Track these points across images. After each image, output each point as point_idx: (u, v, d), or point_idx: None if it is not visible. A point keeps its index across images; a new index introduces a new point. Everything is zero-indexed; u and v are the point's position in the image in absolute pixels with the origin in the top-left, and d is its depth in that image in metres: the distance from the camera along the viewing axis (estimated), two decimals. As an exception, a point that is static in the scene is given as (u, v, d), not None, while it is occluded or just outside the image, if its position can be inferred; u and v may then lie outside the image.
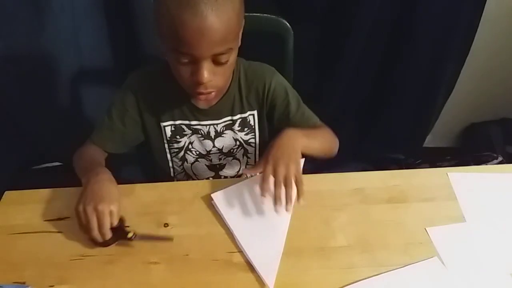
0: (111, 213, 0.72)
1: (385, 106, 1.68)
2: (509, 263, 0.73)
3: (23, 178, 1.69)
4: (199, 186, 0.88)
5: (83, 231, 0.74)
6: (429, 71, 1.55)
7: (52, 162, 1.81)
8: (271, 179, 0.74)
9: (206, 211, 0.83)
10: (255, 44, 0.99)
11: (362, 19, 1.41)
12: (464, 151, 1.84)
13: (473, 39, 1.50)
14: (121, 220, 0.77)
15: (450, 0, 1.37)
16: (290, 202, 0.74)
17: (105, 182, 0.76)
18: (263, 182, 0.74)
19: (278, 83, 0.93)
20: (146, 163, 0.87)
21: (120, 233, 0.76)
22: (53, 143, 1.69)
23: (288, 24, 1.06)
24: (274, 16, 1.06)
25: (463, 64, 1.58)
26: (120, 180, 0.88)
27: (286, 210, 0.74)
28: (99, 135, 0.93)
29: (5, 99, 1.52)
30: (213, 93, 0.80)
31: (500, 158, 1.66)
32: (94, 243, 0.75)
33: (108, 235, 0.73)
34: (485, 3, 1.41)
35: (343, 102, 1.64)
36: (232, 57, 0.77)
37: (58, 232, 0.79)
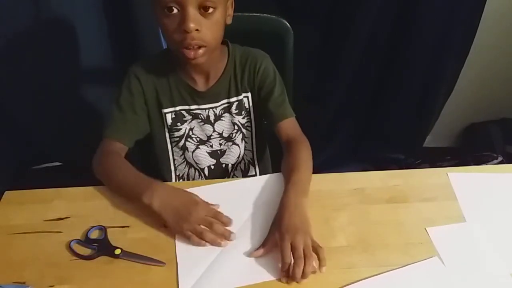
0: (206, 211, 0.77)
1: (385, 106, 1.68)
2: (510, 263, 0.73)
3: (23, 178, 1.69)
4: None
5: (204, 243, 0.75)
6: (429, 71, 1.55)
7: (52, 162, 1.81)
8: (290, 254, 0.69)
9: (206, 211, 0.83)
10: (255, 44, 1.00)
11: (362, 20, 1.41)
12: (464, 151, 1.84)
13: (473, 39, 1.50)
14: (106, 233, 0.78)
15: (450, 0, 1.37)
16: (307, 275, 0.69)
17: (172, 194, 0.79)
18: (284, 260, 0.69)
19: (269, 66, 0.97)
20: (146, 165, 0.87)
21: (105, 247, 0.76)
22: (53, 143, 1.69)
23: (288, 24, 1.06)
24: (274, 16, 1.06)
25: (463, 64, 1.58)
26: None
27: (298, 282, 0.69)
28: (114, 129, 0.91)
29: (5, 99, 1.52)
30: (201, 50, 0.81)
31: (500, 158, 1.66)
32: (77, 255, 0.75)
33: (212, 236, 0.75)
34: (485, 3, 1.41)
35: (343, 102, 1.64)
36: (218, 12, 0.80)
37: (58, 232, 0.79)
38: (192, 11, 0.77)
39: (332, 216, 0.81)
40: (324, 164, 1.70)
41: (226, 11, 0.83)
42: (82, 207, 0.84)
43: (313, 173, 0.90)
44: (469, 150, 1.80)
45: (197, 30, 0.78)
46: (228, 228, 0.77)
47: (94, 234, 0.79)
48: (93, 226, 0.79)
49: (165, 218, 0.77)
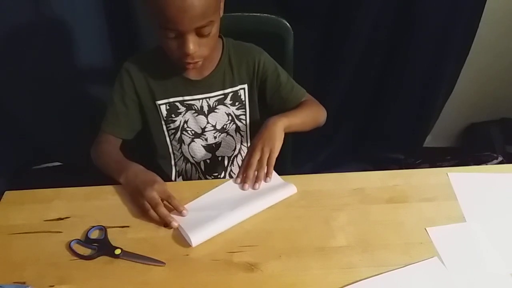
0: (158, 191, 0.80)
1: (385, 106, 1.68)
2: (510, 263, 0.73)
3: (23, 178, 1.69)
4: (199, 186, 0.88)
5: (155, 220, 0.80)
6: (429, 71, 1.55)
7: (52, 162, 1.81)
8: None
9: (206, 211, 0.83)
10: (255, 44, 1.00)
11: (362, 20, 1.41)
12: (464, 151, 1.84)
13: (473, 39, 1.50)
14: (106, 233, 0.78)
15: (450, 0, 1.37)
16: (257, 181, 0.85)
17: (138, 173, 0.85)
18: (240, 169, 0.88)
19: (267, 58, 1.00)
20: (149, 164, 0.88)
21: (105, 247, 0.76)
22: (53, 143, 1.69)
23: (288, 24, 1.06)
24: (274, 16, 1.07)
25: (463, 64, 1.58)
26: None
27: (253, 188, 0.86)
28: (107, 123, 0.98)
29: (5, 99, 1.52)
30: (200, 62, 0.87)
31: (500, 158, 1.66)
32: (78, 255, 0.75)
33: (164, 211, 0.79)
34: (485, 3, 1.41)
35: (343, 102, 1.64)
36: (215, 28, 0.83)
37: (58, 232, 0.79)
38: (192, 37, 0.80)
39: (332, 216, 0.81)
40: (324, 164, 1.70)
41: (219, 16, 0.84)
42: (82, 207, 0.85)
43: (313, 173, 0.91)
44: (469, 150, 1.80)
45: (195, 52, 0.82)
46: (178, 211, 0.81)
47: (94, 234, 0.79)
48: (93, 226, 0.80)
49: (128, 193, 0.85)
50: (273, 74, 1.00)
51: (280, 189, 0.85)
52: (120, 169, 0.87)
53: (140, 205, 0.81)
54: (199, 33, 0.81)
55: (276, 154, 0.86)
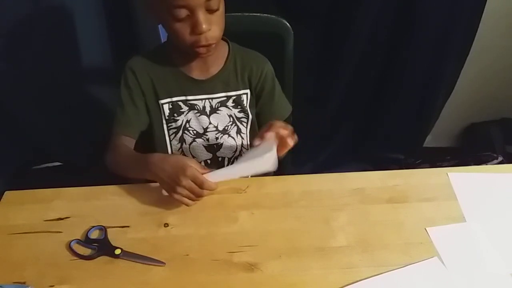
0: (191, 178, 0.78)
1: (385, 106, 1.68)
2: (510, 263, 0.73)
3: (23, 178, 1.69)
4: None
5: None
6: (429, 71, 1.55)
7: (52, 162, 1.81)
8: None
9: (206, 211, 0.83)
10: (255, 44, 1.00)
11: (362, 19, 1.41)
12: (464, 151, 1.84)
13: (473, 39, 1.50)
14: (106, 233, 0.78)
15: (450, 0, 1.37)
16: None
17: (165, 160, 0.81)
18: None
19: (270, 69, 1.01)
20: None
21: (105, 247, 0.76)
22: (53, 143, 1.69)
23: (288, 24, 1.06)
24: (274, 16, 1.07)
25: (463, 64, 1.58)
26: (120, 180, 0.88)
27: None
28: (119, 124, 0.97)
29: (5, 98, 1.52)
30: (213, 45, 0.86)
31: (500, 158, 1.66)
32: (78, 255, 0.75)
33: (200, 193, 0.79)
34: (485, 3, 1.41)
35: (343, 102, 1.64)
36: (222, 5, 0.84)
37: (58, 232, 0.79)
38: (202, 13, 0.80)
39: (332, 216, 0.81)
40: (324, 164, 1.70)
41: None
42: (82, 207, 0.85)
43: (313, 173, 0.91)
44: (469, 150, 1.80)
45: (209, 29, 0.82)
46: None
47: (94, 234, 0.79)
48: (93, 226, 0.80)
49: (161, 186, 0.83)
50: (270, 85, 1.01)
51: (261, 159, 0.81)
52: (144, 163, 0.84)
53: (174, 197, 0.80)
54: (208, 7, 0.81)
55: (283, 130, 0.84)
